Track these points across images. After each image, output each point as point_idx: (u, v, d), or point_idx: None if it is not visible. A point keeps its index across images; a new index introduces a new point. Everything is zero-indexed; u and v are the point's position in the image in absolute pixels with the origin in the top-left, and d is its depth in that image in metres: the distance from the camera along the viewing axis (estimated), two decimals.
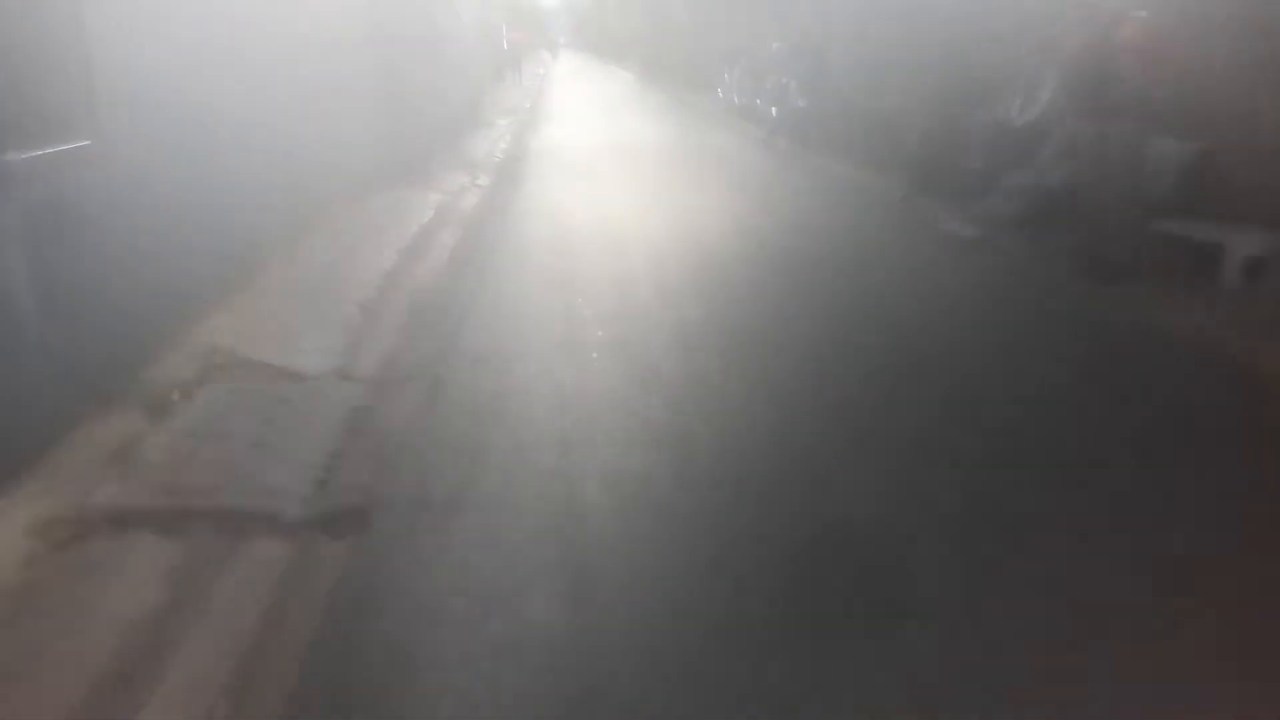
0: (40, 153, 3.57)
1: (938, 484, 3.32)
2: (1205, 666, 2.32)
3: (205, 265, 5.21)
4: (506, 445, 3.65)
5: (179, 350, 4.54)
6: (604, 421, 3.85)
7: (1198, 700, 2.22)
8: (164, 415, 3.84)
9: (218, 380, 4.29)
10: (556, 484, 3.31)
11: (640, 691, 2.26)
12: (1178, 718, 2.19)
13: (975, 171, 7.64)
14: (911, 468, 3.46)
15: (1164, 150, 5.75)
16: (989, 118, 7.70)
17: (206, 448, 3.50)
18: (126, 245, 4.18)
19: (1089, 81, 5.82)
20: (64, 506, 3.01)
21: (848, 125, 11.62)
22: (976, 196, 7.30)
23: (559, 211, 8.90)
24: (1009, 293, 5.78)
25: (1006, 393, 4.20)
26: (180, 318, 4.84)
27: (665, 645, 2.44)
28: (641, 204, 9.13)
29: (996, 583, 2.70)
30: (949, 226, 7.01)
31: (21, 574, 2.70)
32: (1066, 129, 6.38)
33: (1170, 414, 3.94)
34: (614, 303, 5.54)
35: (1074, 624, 2.50)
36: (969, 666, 2.33)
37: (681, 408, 3.99)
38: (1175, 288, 5.55)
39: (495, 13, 28.01)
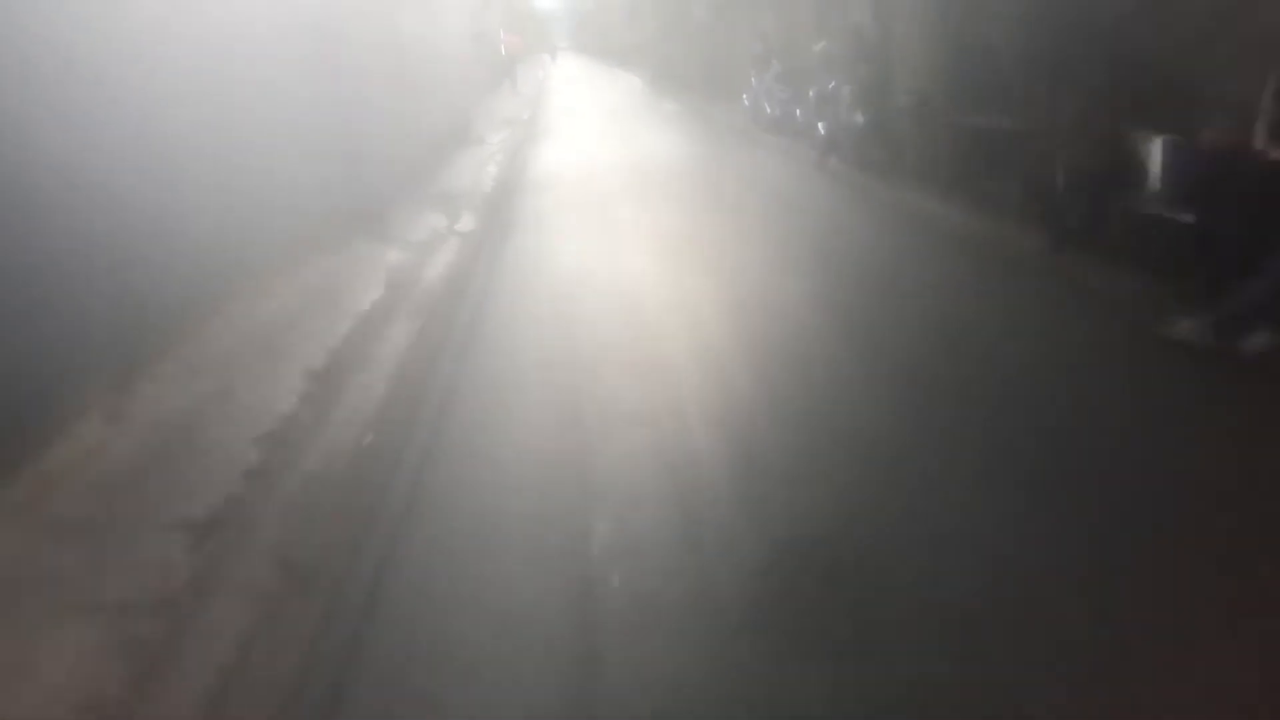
0: None
1: None
2: None
3: None
4: None
5: None
6: None
7: None
8: None
9: None
10: None
11: None
12: None
13: (1185, 227, 5.11)
14: None
15: None
16: (1197, 141, 5.18)
17: None
18: None
19: None
20: None
21: (928, 146, 9.09)
22: (1203, 269, 4.78)
23: (564, 279, 6.39)
24: None
25: None
26: None
27: None
28: (675, 264, 6.62)
29: None
30: (1180, 330, 4.42)
31: None
32: None
33: None
34: (667, 521, 3.02)
35: None
36: None
37: None
38: None
39: (490, 16, 25.56)
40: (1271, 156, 4.61)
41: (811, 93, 12.81)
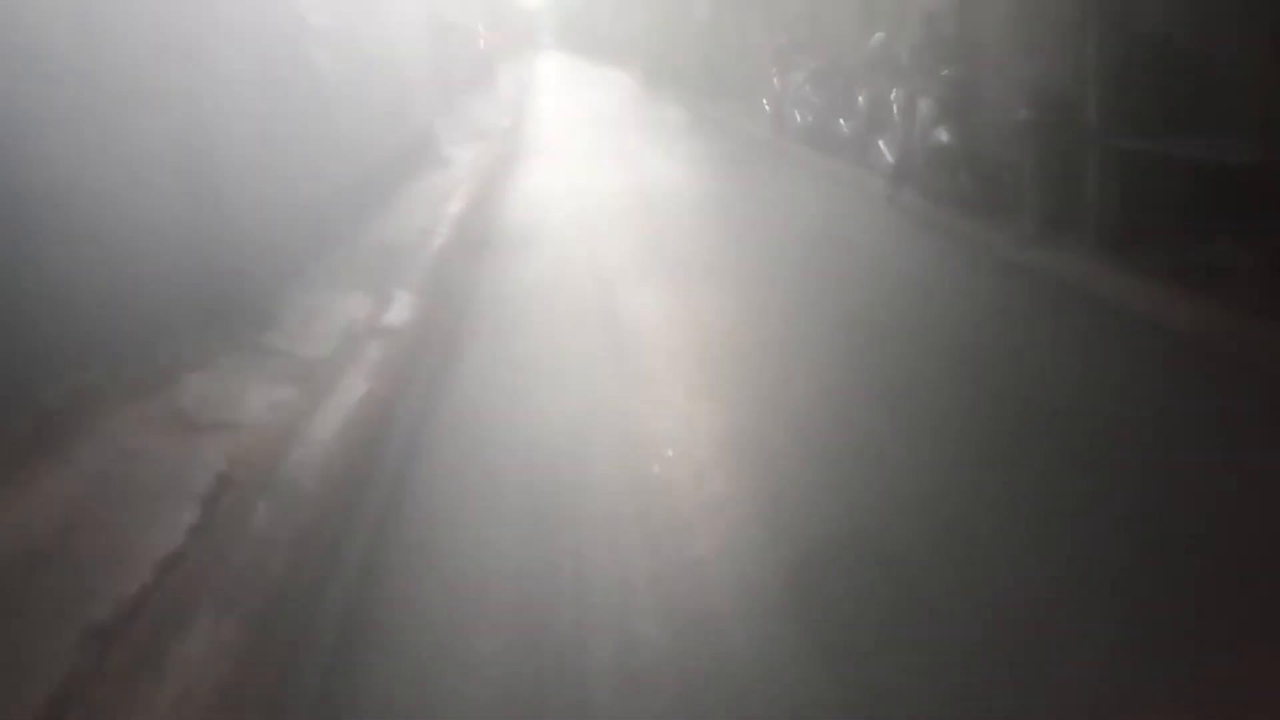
0: None
1: None
2: None
3: None
4: None
5: None
6: None
7: None
8: None
9: None
10: None
11: None
12: None
13: None
14: None
15: None
16: None
17: None
18: None
19: None
20: None
21: (1069, 182, 6.30)
22: None
23: (547, 463, 3.59)
24: None
25: None
26: None
27: None
28: (746, 418, 3.85)
29: None
30: None
31: None
32: None
33: None
34: None
35: None
36: None
37: None
38: None
39: (468, 11, 22.71)
40: None
41: (861, 99, 10.04)
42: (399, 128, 10.86)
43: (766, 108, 13.84)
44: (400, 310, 5.85)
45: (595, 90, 25.97)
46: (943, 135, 7.64)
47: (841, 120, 10.55)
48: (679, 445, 3.66)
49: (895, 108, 8.58)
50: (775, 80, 13.50)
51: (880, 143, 8.90)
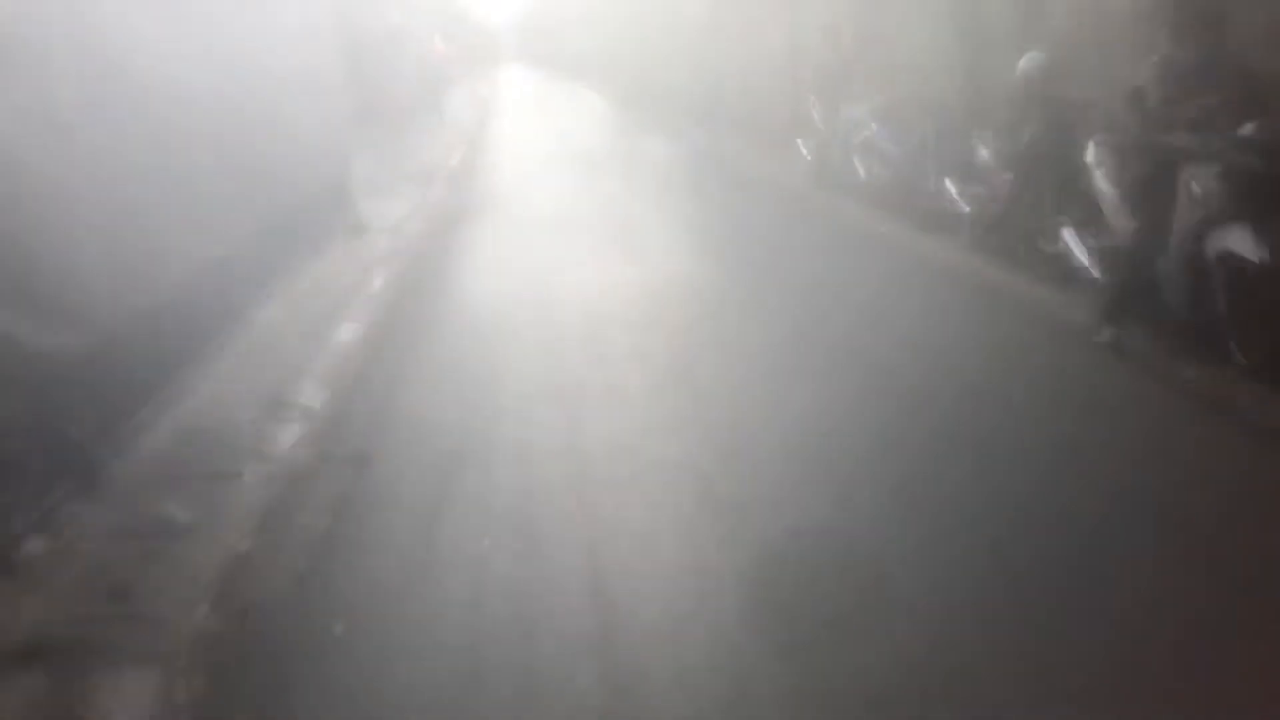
0: None
1: None
2: None
3: None
4: None
5: None
6: None
7: None
8: None
9: None
10: None
11: None
12: None
13: None
14: None
15: None
16: None
17: None
18: None
19: None
20: None
21: None
22: None
23: None
24: None
25: None
26: None
27: None
28: None
29: None
30: None
31: None
32: None
33: None
34: None
35: None
36: None
37: None
38: None
39: (418, 22, 18.95)
40: None
41: (985, 151, 6.54)
42: (287, 180, 7.09)
43: (804, 152, 10.25)
44: None
45: (565, 116, 22.23)
46: (1239, 244, 4.06)
47: (950, 183, 6.98)
48: None
49: (1099, 175, 5.02)
50: (816, 114, 9.93)
51: (1066, 233, 5.32)
